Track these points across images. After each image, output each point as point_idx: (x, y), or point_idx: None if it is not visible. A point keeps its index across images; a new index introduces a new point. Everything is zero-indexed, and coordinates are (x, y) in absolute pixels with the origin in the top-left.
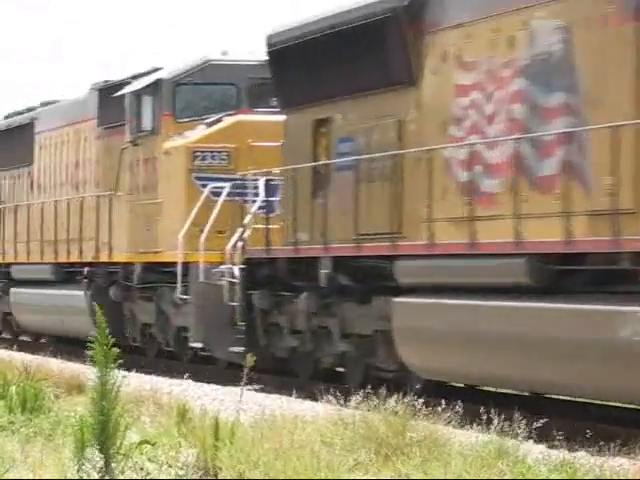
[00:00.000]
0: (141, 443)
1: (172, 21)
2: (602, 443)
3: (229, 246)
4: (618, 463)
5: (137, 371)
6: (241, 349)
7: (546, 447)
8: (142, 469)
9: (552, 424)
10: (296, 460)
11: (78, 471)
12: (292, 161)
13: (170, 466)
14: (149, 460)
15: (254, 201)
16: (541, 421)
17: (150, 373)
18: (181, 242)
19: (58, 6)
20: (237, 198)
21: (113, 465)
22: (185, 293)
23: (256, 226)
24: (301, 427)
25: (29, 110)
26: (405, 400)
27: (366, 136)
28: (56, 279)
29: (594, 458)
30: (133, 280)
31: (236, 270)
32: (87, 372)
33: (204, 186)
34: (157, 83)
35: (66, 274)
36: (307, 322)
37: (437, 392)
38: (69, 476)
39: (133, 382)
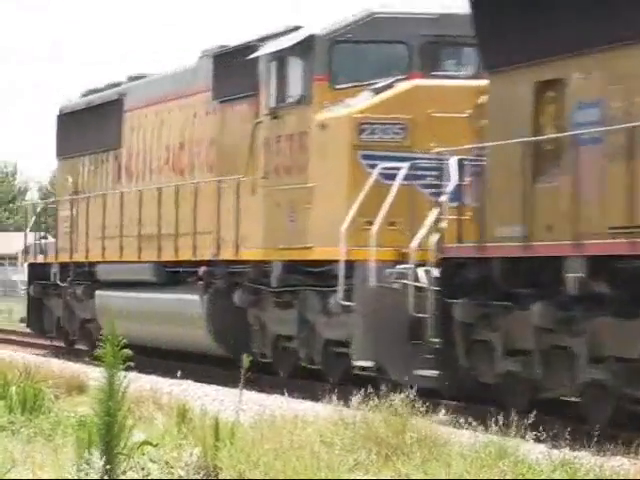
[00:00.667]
0: (143, 444)
1: (172, 21)
2: (603, 443)
3: (415, 241)
4: (619, 463)
5: (138, 371)
6: (433, 372)
7: (547, 447)
8: (143, 469)
9: (553, 424)
10: (296, 460)
11: (80, 471)
12: (497, 135)
13: (171, 466)
14: (151, 460)
15: (444, 185)
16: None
17: (150, 373)
18: (344, 235)
19: (58, 6)
20: (416, 182)
21: (115, 465)
22: (348, 298)
23: (450, 217)
24: (301, 427)
25: (113, 86)
26: (405, 399)
27: (624, 99)
28: (158, 281)
29: (594, 458)
30: (270, 282)
31: (421, 272)
32: (88, 372)
33: (372, 166)
34: (308, 41)
35: (170, 275)
36: (537, 341)
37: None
38: (70, 476)
39: (133, 382)
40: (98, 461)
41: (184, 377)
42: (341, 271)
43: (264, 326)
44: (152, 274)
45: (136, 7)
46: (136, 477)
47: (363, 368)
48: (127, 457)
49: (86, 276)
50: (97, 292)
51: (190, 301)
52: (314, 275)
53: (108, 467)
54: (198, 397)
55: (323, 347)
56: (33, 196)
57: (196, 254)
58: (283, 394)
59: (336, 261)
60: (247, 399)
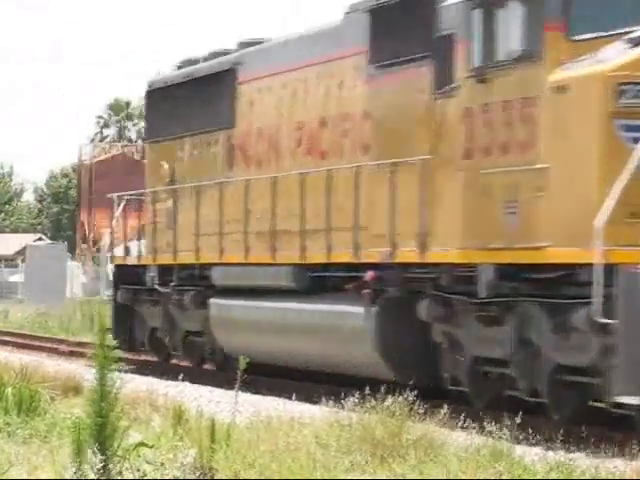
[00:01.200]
0: (139, 445)
1: (172, 21)
2: (598, 445)
3: None
4: (613, 465)
5: (133, 372)
6: None
7: (542, 449)
8: (139, 470)
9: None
10: (292, 461)
11: (75, 472)
12: None
13: (167, 467)
14: (147, 462)
15: None
16: None
17: (146, 375)
18: (600, 232)
19: (58, 6)
20: None
21: (110, 466)
22: (606, 314)
23: None
24: (297, 429)
25: (218, 55)
26: (401, 401)
27: None
28: (299, 287)
29: (590, 460)
30: (471, 291)
31: None
32: (84, 374)
33: (636, 140)
34: None
35: (315, 280)
36: None
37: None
38: (66, 477)
39: (129, 383)
40: (93, 462)
41: (180, 379)
42: (599, 279)
43: (459, 346)
44: (291, 279)
45: (136, 7)
46: (132, 478)
47: (620, 405)
48: (123, 458)
49: (195, 281)
50: (212, 300)
51: (350, 313)
52: (539, 283)
53: (103, 468)
54: (194, 398)
55: (550, 375)
56: (29, 198)
57: (359, 255)
58: (279, 396)
59: (578, 265)
60: (243, 401)
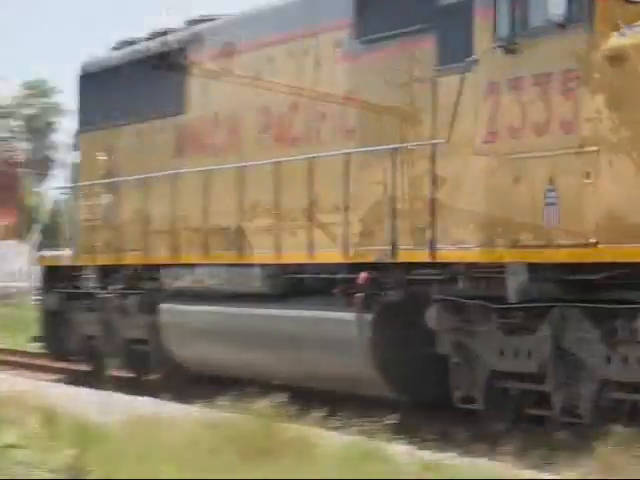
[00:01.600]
0: (9, 446)
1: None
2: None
3: None
4: (491, 464)
5: (9, 372)
6: None
7: (414, 448)
8: (7, 472)
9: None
10: (162, 462)
11: None
12: None
13: (38, 468)
14: (18, 463)
15: None
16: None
17: (22, 375)
18: None
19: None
20: None
21: None
22: None
23: None
24: (169, 428)
25: (162, 34)
26: (273, 403)
27: None
28: (273, 291)
29: (461, 459)
30: (505, 295)
31: None
32: None
33: None
34: None
35: (291, 283)
36: None
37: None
38: None
39: (3, 384)
40: None
41: (55, 380)
42: None
43: (473, 359)
44: (264, 282)
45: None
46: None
47: None
48: None
49: (140, 283)
50: (163, 305)
51: (339, 321)
52: (581, 285)
53: None
54: (69, 399)
55: (596, 392)
56: None
57: (349, 253)
58: (153, 396)
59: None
60: (117, 402)
